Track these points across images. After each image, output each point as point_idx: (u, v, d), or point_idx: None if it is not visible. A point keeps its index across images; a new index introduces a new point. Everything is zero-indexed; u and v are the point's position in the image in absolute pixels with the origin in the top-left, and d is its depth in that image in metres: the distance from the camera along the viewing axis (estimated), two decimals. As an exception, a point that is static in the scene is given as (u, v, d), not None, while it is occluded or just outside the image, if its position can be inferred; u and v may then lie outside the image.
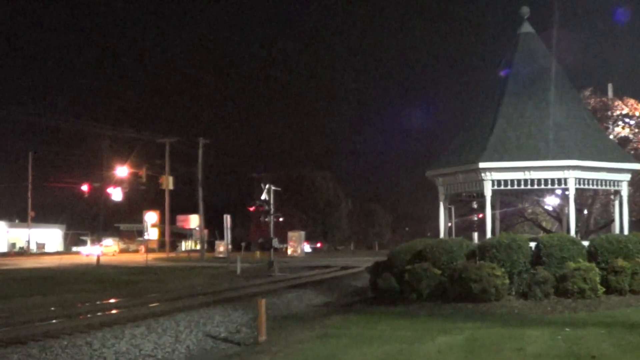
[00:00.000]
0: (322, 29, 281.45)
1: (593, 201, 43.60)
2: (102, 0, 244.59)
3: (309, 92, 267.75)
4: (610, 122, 44.03)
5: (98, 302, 29.64)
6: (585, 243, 25.40)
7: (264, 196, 68.88)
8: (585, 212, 43.72)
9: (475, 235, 47.52)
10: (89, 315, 24.71)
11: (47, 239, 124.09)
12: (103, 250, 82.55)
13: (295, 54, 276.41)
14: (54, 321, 22.97)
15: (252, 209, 68.93)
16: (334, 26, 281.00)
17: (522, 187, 27.41)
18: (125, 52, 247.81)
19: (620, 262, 23.62)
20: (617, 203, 29.24)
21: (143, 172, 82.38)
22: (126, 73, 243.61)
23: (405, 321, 21.36)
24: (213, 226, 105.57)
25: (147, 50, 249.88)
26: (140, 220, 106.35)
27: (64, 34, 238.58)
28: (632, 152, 39.51)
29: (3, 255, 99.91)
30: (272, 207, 69.21)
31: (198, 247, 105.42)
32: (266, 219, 70.71)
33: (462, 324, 20.10)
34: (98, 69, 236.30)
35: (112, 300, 30.55)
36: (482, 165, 26.72)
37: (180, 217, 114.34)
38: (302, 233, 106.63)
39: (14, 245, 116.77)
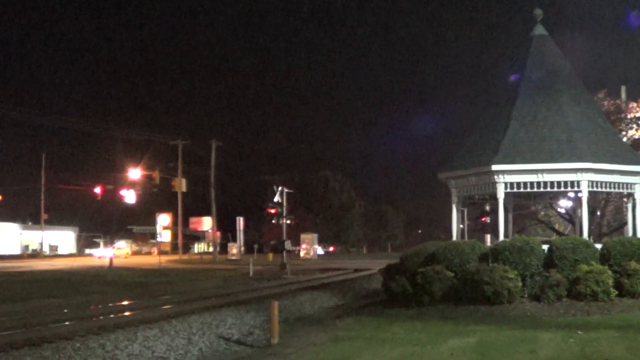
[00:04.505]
0: (336, 32, 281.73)
1: (606, 204, 43.54)
2: (116, 3, 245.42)
3: (321, 94, 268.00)
4: (624, 125, 43.95)
5: (111, 304, 29.71)
6: (598, 246, 25.32)
7: (276, 198, 68.89)
8: (598, 214, 43.65)
9: (488, 237, 47.52)
10: (101, 317, 24.76)
11: (60, 241, 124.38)
12: (115, 252, 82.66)
13: (309, 57, 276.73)
14: (67, 323, 23.03)
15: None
16: (347, 30, 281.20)
17: (535, 189, 27.37)
18: (138, 54, 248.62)
19: (634, 264, 23.55)
20: (630, 206, 29.16)
21: (156, 175, 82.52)
22: (139, 75, 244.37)
23: (418, 324, 21.36)
24: (226, 228, 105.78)
25: (160, 53, 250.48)
26: (153, 223, 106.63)
27: (76, 35, 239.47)
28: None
29: (16, 257, 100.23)
30: (284, 209, 69.23)
31: (211, 249, 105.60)
32: (279, 221, 70.70)
33: (475, 326, 20.11)
34: (110, 71, 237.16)
35: (124, 302, 30.60)
36: (494, 167, 26.70)
37: (192, 220, 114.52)
38: (315, 235, 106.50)
39: (27, 247, 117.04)
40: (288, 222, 73.34)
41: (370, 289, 38.36)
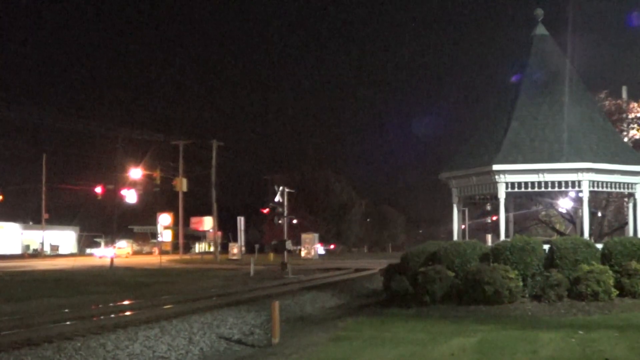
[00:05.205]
0: (337, 32, 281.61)
1: (607, 204, 43.47)
2: (117, 3, 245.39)
3: (322, 95, 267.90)
4: (625, 125, 43.92)
5: (111, 304, 29.70)
6: (599, 246, 25.30)
7: (277, 198, 69.06)
8: (599, 214, 43.59)
9: (489, 237, 47.48)
10: (102, 317, 24.74)
11: (61, 241, 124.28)
12: (116, 252, 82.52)
13: (310, 58, 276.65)
14: (67, 323, 23.01)
15: (266, 211, 68.99)
16: (349, 30, 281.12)
17: (536, 189, 27.36)
18: (139, 54, 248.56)
19: (634, 264, 23.54)
20: (630, 205, 29.16)
21: (157, 174, 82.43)
22: (140, 75, 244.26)
23: (418, 323, 21.34)
24: (227, 228, 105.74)
25: (161, 52, 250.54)
26: (153, 222, 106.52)
27: (77, 35, 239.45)
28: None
29: (17, 257, 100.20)
30: (285, 209, 69.30)
31: (212, 249, 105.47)
32: (279, 221, 70.78)
33: (476, 326, 20.09)
34: (111, 70, 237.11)
35: (125, 302, 30.60)
36: (495, 167, 26.69)
37: (193, 219, 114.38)
38: (316, 235, 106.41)
39: (28, 247, 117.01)
40: (289, 221, 73.46)
41: (371, 288, 38.37)
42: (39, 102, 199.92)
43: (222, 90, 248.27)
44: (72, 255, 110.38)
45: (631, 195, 28.65)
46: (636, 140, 43.05)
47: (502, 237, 27.38)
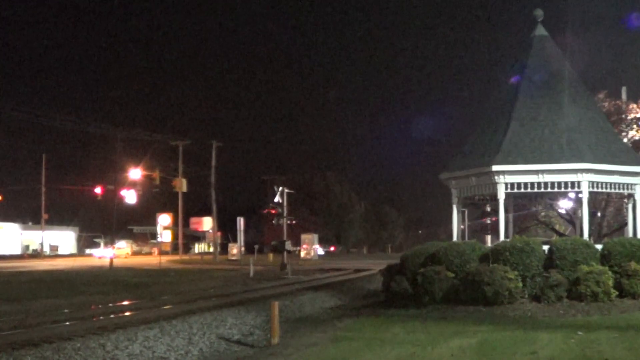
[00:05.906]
0: (337, 33, 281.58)
1: (606, 204, 43.45)
2: (118, 3, 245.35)
3: (322, 95, 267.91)
4: (624, 126, 43.90)
5: (111, 304, 29.72)
6: (599, 246, 25.28)
7: (277, 199, 68.98)
8: (599, 215, 43.59)
9: (489, 238, 47.47)
10: (102, 318, 24.76)
11: (60, 241, 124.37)
12: (116, 252, 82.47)
13: (310, 58, 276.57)
14: (67, 323, 23.04)
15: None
16: (349, 31, 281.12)
17: (536, 190, 27.33)
18: (139, 54, 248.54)
19: (634, 265, 23.52)
20: (630, 206, 29.15)
21: (156, 175, 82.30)
22: (140, 75, 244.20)
23: (418, 324, 21.34)
24: (226, 229, 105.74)
25: (161, 53, 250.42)
26: (153, 223, 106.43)
27: (77, 35, 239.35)
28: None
29: (17, 257, 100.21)
30: (285, 209, 69.25)
31: (211, 249, 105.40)
32: (279, 222, 70.70)
33: (475, 327, 20.08)
34: (111, 71, 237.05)
35: (125, 303, 30.61)
36: (495, 168, 26.68)
37: (193, 220, 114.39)
38: (315, 236, 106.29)
39: (27, 247, 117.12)
40: (288, 222, 73.40)
41: (370, 289, 38.31)
42: (40, 102, 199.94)
43: (222, 90, 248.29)
44: (71, 255, 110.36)
45: (630, 196, 28.64)
46: (635, 141, 43.03)
47: (502, 237, 27.36)
